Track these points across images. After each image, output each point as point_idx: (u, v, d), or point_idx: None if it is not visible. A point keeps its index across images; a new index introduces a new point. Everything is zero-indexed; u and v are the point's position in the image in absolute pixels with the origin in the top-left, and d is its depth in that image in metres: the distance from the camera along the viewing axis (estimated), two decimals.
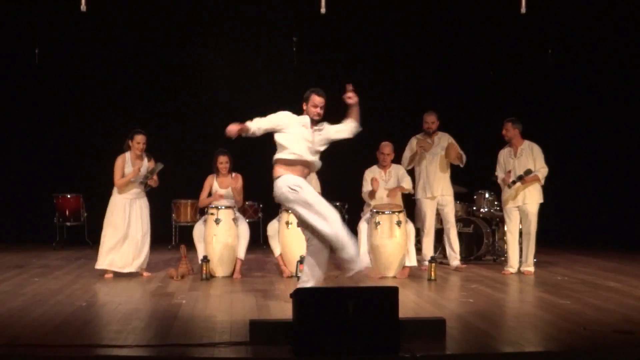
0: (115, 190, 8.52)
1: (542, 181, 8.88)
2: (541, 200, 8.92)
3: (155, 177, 8.56)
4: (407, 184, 8.97)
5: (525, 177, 8.71)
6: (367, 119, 12.48)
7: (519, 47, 12.46)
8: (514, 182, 8.77)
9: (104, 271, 8.45)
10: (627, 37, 11.87)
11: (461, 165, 9.30)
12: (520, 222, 9.04)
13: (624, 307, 6.64)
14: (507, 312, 6.66)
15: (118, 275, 8.47)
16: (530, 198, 8.86)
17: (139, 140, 8.47)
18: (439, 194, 9.26)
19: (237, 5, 11.84)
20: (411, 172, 9.31)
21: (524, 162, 8.87)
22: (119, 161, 8.47)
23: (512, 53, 12.52)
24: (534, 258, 9.34)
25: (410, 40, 12.39)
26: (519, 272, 8.95)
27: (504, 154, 9.06)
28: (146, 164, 8.53)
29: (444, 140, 9.26)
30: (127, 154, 8.51)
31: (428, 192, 9.26)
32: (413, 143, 9.35)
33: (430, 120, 9.26)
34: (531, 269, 8.92)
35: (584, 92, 12.49)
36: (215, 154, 8.91)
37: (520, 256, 9.17)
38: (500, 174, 9.02)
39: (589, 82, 12.42)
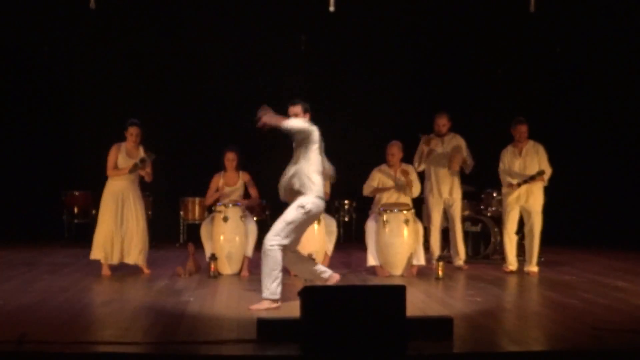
0: (108, 181, 8.52)
1: (546, 182, 8.86)
2: (543, 201, 8.90)
3: (148, 170, 8.52)
4: (415, 190, 8.92)
5: (537, 178, 8.69)
6: (377, 118, 12.54)
7: (528, 46, 12.42)
8: (525, 182, 8.74)
9: (99, 263, 8.45)
10: (636, 37, 11.83)
11: (466, 172, 9.28)
12: (523, 221, 9.01)
13: (632, 307, 6.62)
14: (515, 311, 6.65)
15: (115, 269, 8.46)
16: (534, 197, 8.83)
17: (132, 132, 8.47)
18: (446, 195, 9.24)
19: (246, 3, 11.84)
20: (422, 173, 9.28)
21: (529, 162, 8.83)
22: (112, 150, 8.45)
23: (521, 52, 12.49)
24: (541, 257, 9.34)
25: (419, 38, 12.38)
26: (523, 272, 8.89)
27: (507, 153, 9.02)
28: (141, 156, 8.51)
29: (454, 141, 9.20)
30: (123, 144, 8.50)
31: (436, 192, 9.25)
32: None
33: (442, 123, 9.20)
34: (535, 269, 8.86)
35: (593, 91, 12.45)
36: (224, 150, 8.93)
37: (520, 255, 9.14)
38: (509, 179, 8.93)
39: (597, 82, 12.37)
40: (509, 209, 8.95)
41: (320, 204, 6.62)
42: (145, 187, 9.21)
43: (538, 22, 11.18)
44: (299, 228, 6.61)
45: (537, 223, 8.86)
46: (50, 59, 12.12)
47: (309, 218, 6.61)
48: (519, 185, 8.79)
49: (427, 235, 9.38)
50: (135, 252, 8.44)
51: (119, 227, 8.39)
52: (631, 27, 11.76)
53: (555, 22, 11.86)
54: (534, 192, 8.83)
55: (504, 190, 9.02)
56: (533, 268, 8.86)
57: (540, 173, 8.70)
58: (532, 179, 8.72)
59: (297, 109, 6.70)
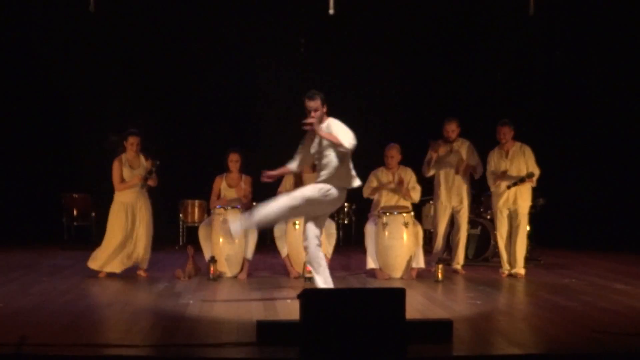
0: (116, 194, 8.54)
1: (535, 183, 8.84)
2: (530, 202, 8.91)
3: (154, 175, 8.54)
4: (415, 195, 8.91)
5: (526, 180, 8.69)
6: (376, 121, 12.55)
7: (527, 49, 12.43)
8: (515, 184, 8.73)
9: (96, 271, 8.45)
10: (634, 40, 11.84)
11: (475, 177, 9.23)
12: (510, 223, 9.01)
13: (632, 310, 6.62)
14: (514, 313, 6.65)
15: (112, 275, 8.47)
16: (522, 200, 8.82)
17: (132, 141, 8.49)
18: (456, 200, 9.17)
19: (245, 6, 11.85)
20: (430, 178, 9.26)
21: (516, 163, 8.81)
22: (115, 164, 8.46)
23: (520, 55, 12.49)
24: (541, 260, 9.33)
25: (418, 42, 12.38)
26: (512, 274, 8.86)
27: (494, 155, 8.98)
28: (144, 164, 8.52)
29: (463, 147, 9.13)
30: (124, 155, 8.51)
31: (445, 198, 9.18)
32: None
33: (451, 129, 9.11)
34: (522, 271, 8.81)
35: (593, 94, 12.45)
36: (228, 151, 8.89)
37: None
38: (495, 178, 8.91)
39: (598, 84, 12.38)
40: (499, 214, 8.93)
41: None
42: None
43: (537, 25, 11.19)
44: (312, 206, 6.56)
45: (523, 225, 8.84)
46: (50, 62, 12.12)
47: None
48: (508, 188, 8.77)
49: (427, 238, 9.37)
50: (140, 254, 8.47)
51: (130, 238, 8.42)
52: (631, 29, 11.77)
53: (554, 25, 11.87)
54: (522, 193, 8.81)
55: (492, 189, 9.01)
56: (520, 270, 8.82)
57: (530, 175, 8.68)
58: (521, 181, 8.69)
59: (316, 102, 6.52)
